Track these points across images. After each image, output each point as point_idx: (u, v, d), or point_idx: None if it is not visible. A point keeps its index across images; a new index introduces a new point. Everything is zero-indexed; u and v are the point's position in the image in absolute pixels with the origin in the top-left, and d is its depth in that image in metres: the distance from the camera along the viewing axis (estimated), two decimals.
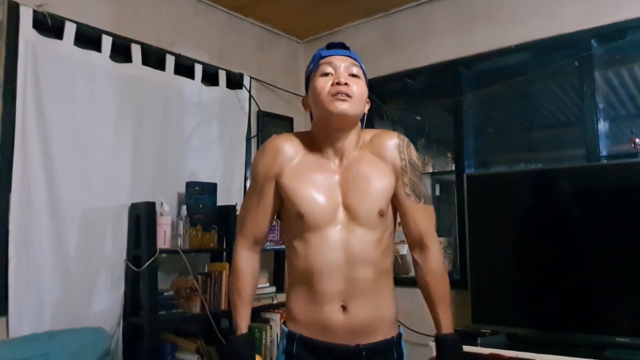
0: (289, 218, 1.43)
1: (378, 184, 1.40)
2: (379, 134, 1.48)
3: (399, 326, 1.47)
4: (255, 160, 1.49)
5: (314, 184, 1.40)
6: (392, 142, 1.45)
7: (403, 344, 1.46)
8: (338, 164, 1.43)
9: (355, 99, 1.38)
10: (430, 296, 1.47)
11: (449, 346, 1.46)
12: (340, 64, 1.41)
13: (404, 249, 2.84)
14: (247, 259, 1.50)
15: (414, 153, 1.47)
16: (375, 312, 1.38)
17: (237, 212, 2.88)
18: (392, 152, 1.44)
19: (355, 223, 1.37)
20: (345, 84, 1.37)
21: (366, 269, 1.37)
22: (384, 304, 1.41)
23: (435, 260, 1.47)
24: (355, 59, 1.45)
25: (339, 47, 1.46)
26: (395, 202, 1.46)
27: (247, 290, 1.49)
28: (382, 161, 1.43)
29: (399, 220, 1.51)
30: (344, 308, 1.36)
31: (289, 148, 1.44)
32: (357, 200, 1.38)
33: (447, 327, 1.46)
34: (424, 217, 1.47)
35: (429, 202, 1.49)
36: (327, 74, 1.40)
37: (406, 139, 1.48)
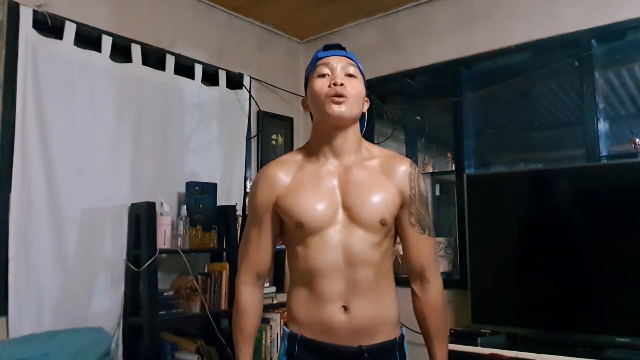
0: (289, 229, 1.43)
1: (380, 194, 1.39)
2: (392, 156, 1.48)
3: (401, 327, 1.47)
4: (252, 192, 1.49)
5: (312, 191, 1.40)
6: (404, 169, 1.44)
7: (405, 345, 1.46)
8: (337, 165, 1.43)
9: (352, 99, 1.38)
10: (428, 330, 1.46)
11: None
12: (337, 65, 1.41)
13: None
14: (249, 295, 1.48)
15: (422, 184, 1.47)
16: (376, 312, 1.38)
17: (238, 212, 2.89)
18: (401, 178, 1.43)
19: (355, 224, 1.37)
20: (341, 84, 1.37)
21: (367, 269, 1.36)
22: (385, 304, 1.41)
23: (435, 294, 1.46)
24: (351, 59, 1.45)
25: (336, 48, 1.46)
26: (399, 230, 1.46)
27: (249, 327, 1.47)
28: (387, 180, 1.42)
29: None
30: (345, 309, 1.35)
31: (281, 174, 1.44)
32: (358, 203, 1.38)
33: None
34: (426, 249, 1.46)
35: (432, 234, 1.48)
36: (324, 75, 1.41)
37: (418, 169, 1.48)
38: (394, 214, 1.41)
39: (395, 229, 1.46)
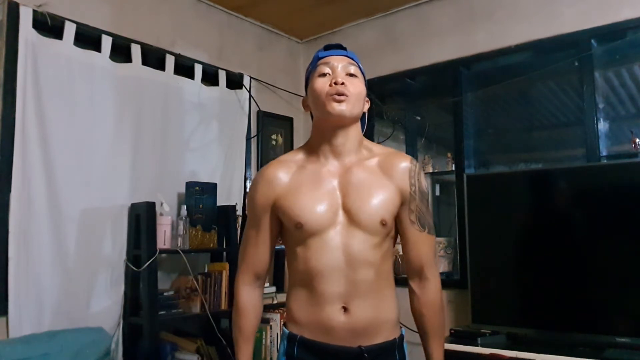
0: (288, 230, 1.43)
1: (381, 195, 1.39)
2: (392, 153, 1.47)
3: (400, 327, 1.47)
4: (250, 193, 1.49)
5: (312, 192, 1.39)
6: (404, 165, 1.43)
7: (405, 345, 1.45)
8: (337, 165, 1.43)
9: (353, 98, 1.38)
10: (425, 328, 1.46)
11: None
12: (338, 64, 1.41)
13: None
14: (248, 296, 1.48)
15: (424, 180, 1.46)
16: (376, 313, 1.38)
17: (237, 212, 2.89)
18: (402, 175, 1.42)
19: (355, 226, 1.37)
20: (342, 83, 1.37)
21: (367, 270, 1.36)
22: (385, 305, 1.41)
23: (434, 292, 1.46)
24: (352, 59, 1.45)
25: (336, 47, 1.46)
26: (399, 227, 1.45)
27: (248, 327, 1.48)
28: (388, 179, 1.41)
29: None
30: (345, 309, 1.35)
31: (281, 174, 1.44)
32: (358, 204, 1.37)
33: None
34: (425, 247, 1.45)
35: (432, 231, 1.47)
36: (324, 75, 1.41)
37: (418, 165, 1.47)
38: (394, 213, 1.41)
39: (395, 228, 1.46)
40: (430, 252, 1.47)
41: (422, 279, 1.46)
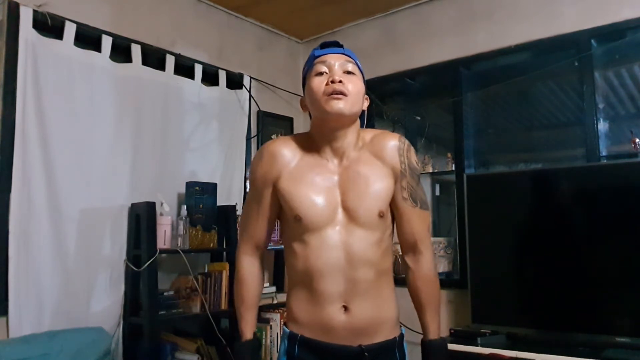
0: (287, 220, 1.43)
1: (377, 185, 1.39)
2: (380, 134, 1.47)
3: (400, 327, 1.47)
4: (253, 166, 1.49)
5: (312, 186, 1.39)
6: (393, 144, 1.44)
7: (405, 344, 1.46)
8: (337, 164, 1.42)
9: (351, 96, 1.37)
10: (420, 300, 1.47)
11: (434, 351, 1.45)
12: (335, 62, 1.40)
13: None
14: (249, 265, 1.49)
15: (413, 157, 1.46)
16: (376, 312, 1.38)
17: (237, 212, 2.89)
18: (392, 154, 1.42)
19: (355, 224, 1.37)
20: (340, 81, 1.36)
21: (367, 269, 1.36)
22: (385, 304, 1.41)
23: (428, 265, 1.47)
24: (350, 56, 1.43)
25: (333, 45, 1.45)
26: (392, 205, 1.45)
27: (250, 295, 1.48)
28: (381, 163, 1.41)
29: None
30: (345, 308, 1.35)
31: (286, 152, 1.43)
32: (357, 201, 1.37)
33: (435, 332, 1.46)
34: (419, 222, 1.46)
35: (425, 207, 1.48)
36: (321, 73, 1.39)
37: (407, 142, 1.47)
38: (389, 200, 1.42)
39: (392, 221, 1.46)
40: (423, 226, 1.47)
41: (416, 253, 1.47)
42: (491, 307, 2.54)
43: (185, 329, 2.67)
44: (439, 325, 1.48)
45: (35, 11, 2.27)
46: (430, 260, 1.48)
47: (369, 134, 1.48)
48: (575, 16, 2.61)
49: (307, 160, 1.43)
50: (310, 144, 1.45)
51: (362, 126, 1.49)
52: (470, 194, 2.64)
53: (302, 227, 1.37)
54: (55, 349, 2.00)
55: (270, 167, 1.43)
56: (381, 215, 1.38)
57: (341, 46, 1.45)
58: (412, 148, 1.48)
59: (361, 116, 1.47)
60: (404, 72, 3.21)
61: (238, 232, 1.55)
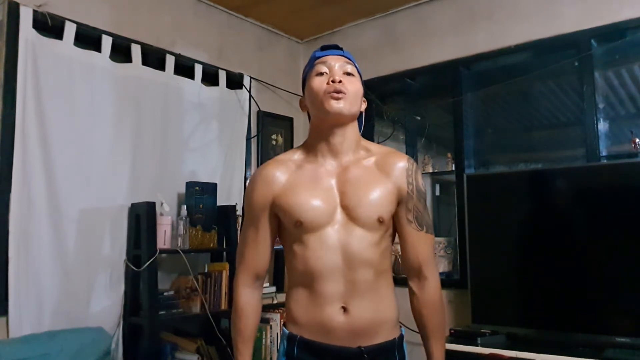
0: (287, 227, 1.42)
1: (377, 191, 1.39)
2: (390, 153, 1.47)
3: (400, 327, 1.47)
4: (249, 192, 1.48)
5: (310, 190, 1.39)
6: (402, 165, 1.43)
7: (405, 345, 1.45)
8: (335, 165, 1.43)
9: (350, 96, 1.39)
10: (425, 328, 1.46)
11: None
12: (335, 63, 1.42)
13: None
14: (248, 297, 1.48)
15: (421, 179, 1.46)
16: (376, 313, 1.38)
17: (237, 212, 2.89)
18: (399, 174, 1.42)
19: (354, 223, 1.37)
20: (340, 81, 1.38)
21: (366, 269, 1.36)
22: (384, 304, 1.41)
23: (433, 291, 1.46)
24: (349, 58, 1.46)
25: (333, 48, 1.48)
26: (397, 227, 1.45)
27: (248, 329, 1.47)
28: (385, 177, 1.41)
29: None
30: (344, 309, 1.35)
31: (278, 174, 1.44)
32: (355, 202, 1.37)
33: None
34: (424, 246, 1.45)
35: (430, 230, 1.47)
36: (322, 74, 1.41)
37: (415, 164, 1.47)
38: (391, 211, 1.41)
39: (393, 227, 1.46)
40: (428, 251, 1.46)
41: (421, 278, 1.46)
42: (491, 307, 2.54)
43: (185, 329, 2.67)
44: (444, 353, 1.46)
45: (35, 11, 2.27)
46: (436, 286, 1.46)
47: (375, 147, 1.49)
48: (575, 16, 2.61)
49: (303, 169, 1.44)
50: (306, 152, 1.47)
51: (360, 127, 1.50)
52: (470, 194, 2.64)
53: (302, 230, 1.38)
54: (55, 349, 2.01)
55: (266, 190, 1.43)
56: (381, 221, 1.38)
57: (341, 49, 1.48)
58: (419, 170, 1.48)
59: (359, 118, 1.48)
60: (404, 72, 3.21)
61: (236, 260, 1.53)
